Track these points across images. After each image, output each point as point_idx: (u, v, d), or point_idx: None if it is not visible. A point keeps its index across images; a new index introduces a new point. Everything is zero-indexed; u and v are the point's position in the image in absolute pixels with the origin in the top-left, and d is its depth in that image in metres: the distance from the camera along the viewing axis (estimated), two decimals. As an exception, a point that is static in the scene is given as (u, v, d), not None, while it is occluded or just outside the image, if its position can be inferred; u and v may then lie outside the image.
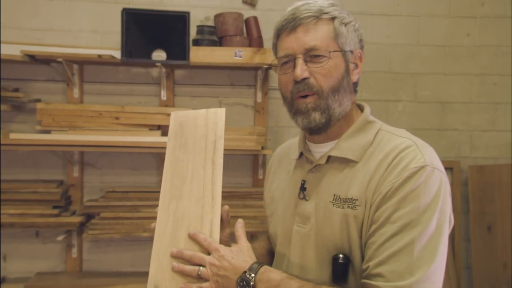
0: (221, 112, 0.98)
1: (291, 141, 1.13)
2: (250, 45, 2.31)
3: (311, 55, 0.89)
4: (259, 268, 0.84)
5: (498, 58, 2.60)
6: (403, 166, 0.84)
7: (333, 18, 0.91)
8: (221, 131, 0.95)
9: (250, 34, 2.35)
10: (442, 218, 0.82)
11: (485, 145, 2.63)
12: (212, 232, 0.86)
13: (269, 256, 1.12)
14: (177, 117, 1.00)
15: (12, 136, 2.12)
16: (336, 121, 0.93)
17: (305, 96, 0.91)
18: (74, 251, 2.38)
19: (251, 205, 2.35)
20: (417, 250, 0.78)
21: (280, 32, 0.93)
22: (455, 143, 2.63)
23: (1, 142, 2.09)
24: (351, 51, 0.93)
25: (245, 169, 2.48)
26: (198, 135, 0.96)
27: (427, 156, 0.86)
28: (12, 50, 2.14)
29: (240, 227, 0.93)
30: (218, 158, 0.93)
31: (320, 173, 0.94)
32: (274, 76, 2.44)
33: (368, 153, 0.91)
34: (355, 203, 0.87)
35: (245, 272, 0.84)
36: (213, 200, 0.88)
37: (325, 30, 0.90)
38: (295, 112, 0.93)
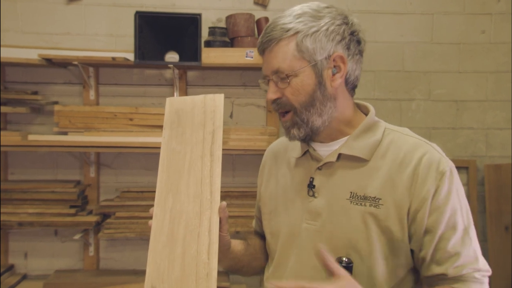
0: (219, 98, 0.93)
1: (283, 139, 1.13)
2: (261, 46, 2.32)
3: (278, 77, 0.92)
4: None
5: (515, 55, 2.55)
6: (434, 170, 0.89)
7: (296, 33, 0.90)
8: (219, 120, 0.91)
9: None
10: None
11: (501, 144, 2.58)
12: (210, 230, 0.82)
13: (263, 254, 1.13)
14: (173, 103, 0.94)
15: (31, 137, 2.19)
16: (325, 125, 0.95)
17: (284, 114, 0.95)
18: (91, 249, 2.44)
19: (263, 204, 2.36)
20: (474, 242, 0.92)
21: (259, 52, 0.97)
22: (471, 142, 2.59)
23: (21, 144, 2.16)
24: (326, 58, 0.91)
25: (256, 169, 2.47)
26: (195, 124, 0.90)
27: (444, 156, 0.93)
28: (30, 54, 2.20)
29: (326, 255, 0.82)
30: (216, 149, 0.88)
31: (330, 170, 0.96)
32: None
33: (379, 152, 0.94)
34: (378, 201, 0.89)
35: None
36: (212, 196, 0.84)
37: (286, 50, 0.90)
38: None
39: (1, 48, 2.21)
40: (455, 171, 0.92)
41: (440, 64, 2.55)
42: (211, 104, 0.92)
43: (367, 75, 2.54)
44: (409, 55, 2.55)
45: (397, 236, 0.89)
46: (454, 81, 2.56)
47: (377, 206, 0.89)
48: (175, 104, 0.94)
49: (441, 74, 2.56)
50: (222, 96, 0.93)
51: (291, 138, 0.96)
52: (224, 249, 0.94)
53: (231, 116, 2.51)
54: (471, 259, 0.89)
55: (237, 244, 1.06)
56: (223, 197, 2.54)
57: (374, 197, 0.90)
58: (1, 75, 2.38)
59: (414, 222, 0.89)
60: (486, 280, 0.91)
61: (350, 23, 0.94)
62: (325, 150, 0.98)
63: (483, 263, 0.91)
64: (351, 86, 0.97)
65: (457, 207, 0.90)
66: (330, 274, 0.81)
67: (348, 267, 0.83)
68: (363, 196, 0.91)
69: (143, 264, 2.49)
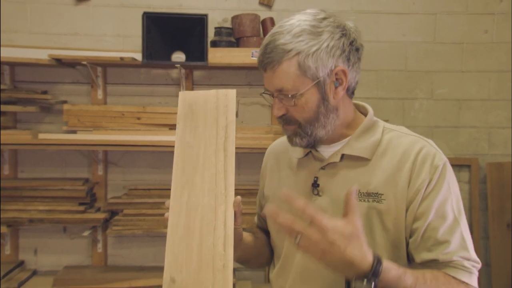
0: (231, 93, 0.95)
1: (283, 139, 1.16)
2: (266, 46, 2.36)
3: (282, 94, 0.93)
4: (380, 271, 0.78)
5: (517, 54, 2.58)
6: (430, 163, 0.94)
7: (297, 54, 0.90)
8: (232, 115, 0.93)
9: (267, 35, 2.39)
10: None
11: (504, 142, 2.61)
12: (226, 223, 0.84)
13: (268, 248, 1.17)
14: (185, 97, 0.96)
15: (41, 136, 2.23)
16: (329, 134, 0.98)
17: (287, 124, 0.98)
18: (99, 246, 2.48)
19: (268, 202, 2.40)
20: (465, 232, 0.94)
21: (259, 68, 0.97)
22: (473, 141, 2.62)
23: (31, 142, 2.21)
24: (328, 73, 0.92)
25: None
26: (208, 118, 0.92)
27: (440, 151, 0.98)
28: (40, 55, 2.24)
29: (353, 196, 0.80)
30: (230, 144, 0.90)
31: (334, 170, 1.00)
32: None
33: (379, 151, 0.98)
34: (380, 197, 0.94)
35: (363, 275, 0.77)
36: (226, 190, 0.87)
37: (289, 71, 0.91)
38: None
39: (11, 48, 2.25)
40: (448, 165, 0.96)
41: (442, 64, 2.58)
42: (224, 99, 0.94)
43: (370, 74, 2.57)
44: (411, 55, 2.58)
45: (397, 229, 0.94)
46: (456, 80, 2.59)
47: (380, 201, 0.94)
48: (188, 98, 0.96)
49: (443, 74, 2.59)
50: (234, 91, 0.95)
51: (294, 144, 1.00)
52: (236, 241, 0.98)
53: (236, 115, 2.54)
54: (460, 247, 0.92)
55: (247, 236, 1.10)
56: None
57: (377, 193, 0.94)
58: (11, 75, 2.43)
59: (408, 212, 0.93)
60: (476, 272, 0.93)
61: (348, 33, 0.94)
62: (328, 151, 1.02)
63: (473, 254, 0.93)
64: (351, 91, 1.00)
65: (447, 198, 0.93)
66: (345, 212, 0.80)
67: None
68: (366, 192, 0.95)
69: (150, 261, 2.53)
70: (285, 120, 0.97)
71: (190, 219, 0.87)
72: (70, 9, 2.45)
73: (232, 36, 2.38)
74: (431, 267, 0.92)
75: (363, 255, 0.77)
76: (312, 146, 1.00)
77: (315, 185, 1.01)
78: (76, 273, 2.37)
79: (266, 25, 2.40)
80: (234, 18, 2.39)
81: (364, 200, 0.95)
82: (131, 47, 2.44)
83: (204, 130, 0.92)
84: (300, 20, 0.93)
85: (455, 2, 2.56)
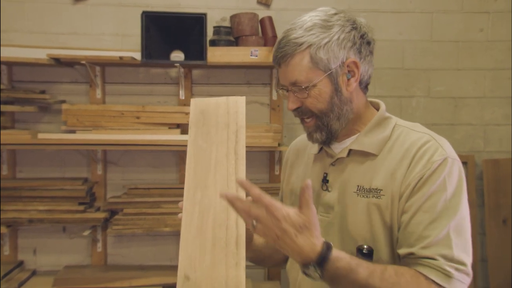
0: (241, 100, 0.99)
1: (305, 136, 1.18)
2: (265, 45, 2.37)
3: (296, 87, 0.96)
4: (327, 260, 0.81)
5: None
6: (427, 159, 0.92)
7: (309, 46, 0.94)
8: (242, 121, 0.96)
9: (265, 34, 2.41)
10: (466, 202, 0.94)
11: (499, 139, 2.65)
12: (237, 223, 0.87)
13: None
14: (197, 104, 1.00)
15: (40, 136, 2.22)
16: (342, 127, 1.00)
17: (306, 119, 1.01)
18: (99, 245, 2.48)
19: (268, 200, 2.41)
20: (453, 231, 0.89)
21: (274, 64, 1.01)
22: (469, 138, 2.65)
23: (30, 142, 2.20)
24: (340, 65, 0.96)
25: (262, 166, 2.55)
26: (220, 124, 0.96)
27: (446, 148, 0.95)
28: (38, 54, 2.23)
29: (308, 190, 0.80)
30: (240, 148, 0.93)
31: (342, 165, 1.01)
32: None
33: (387, 147, 0.98)
34: (379, 192, 0.94)
35: (310, 263, 0.81)
36: (237, 191, 0.89)
37: (302, 63, 0.95)
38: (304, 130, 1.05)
39: (9, 48, 2.24)
40: (451, 162, 0.92)
41: (439, 62, 2.61)
42: (234, 105, 0.98)
43: (368, 72, 2.59)
44: (409, 53, 2.60)
45: (394, 224, 0.94)
46: (453, 78, 2.62)
47: (379, 197, 0.94)
48: (199, 105, 1.00)
49: (440, 72, 2.61)
50: (244, 98, 0.99)
51: (314, 141, 1.02)
52: (247, 242, 0.99)
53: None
54: (442, 244, 0.87)
55: (259, 237, 1.11)
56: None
57: (377, 189, 0.94)
58: (9, 75, 2.42)
59: (399, 206, 0.92)
60: (458, 276, 0.86)
61: (359, 27, 0.98)
62: (339, 147, 1.04)
63: (460, 257, 0.87)
64: (365, 85, 1.03)
65: (439, 194, 0.90)
66: (299, 204, 0.81)
67: (369, 254, 0.88)
68: (368, 188, 0.96)
69: (149, 260, 2.54)
70: (301, 113, 0.99)
71: (203, 219, 0.89)
72: (68, 9, 2.44)
73: (231, 35, 2.39)
74: (409, 264, 0.89)
75: (312, 244, 0.80)
76: (329, 140, 1.02)
77: (324, 180, 1.03)
78: (76, 273, 2.37)
79: (265, 24, 2.41)
80: (232, 17, 2.40)
81: (366, 196, 0.95)
82: (130, 46, 2.44)
83: (216, 135, 0.96)
84: (311, 16, 0.97)
85: (451, 1, 2.59)
